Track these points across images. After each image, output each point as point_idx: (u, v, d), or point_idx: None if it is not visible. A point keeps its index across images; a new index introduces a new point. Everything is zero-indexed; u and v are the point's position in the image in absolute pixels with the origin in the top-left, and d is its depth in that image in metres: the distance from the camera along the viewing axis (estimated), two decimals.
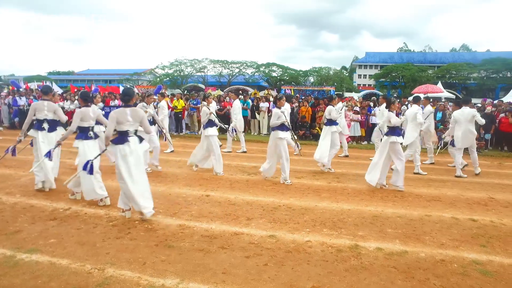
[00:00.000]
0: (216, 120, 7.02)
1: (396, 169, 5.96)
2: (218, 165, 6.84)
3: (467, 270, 3.23)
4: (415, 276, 3.09)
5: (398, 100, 8.35)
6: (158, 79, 41.34)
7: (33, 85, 18.76)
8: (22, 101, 13.76)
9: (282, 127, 6.21)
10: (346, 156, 9.36)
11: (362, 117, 12.22)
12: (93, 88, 17.34)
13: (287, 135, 6.26)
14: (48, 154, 4.87)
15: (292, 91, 22.17)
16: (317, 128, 12.24)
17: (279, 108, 6.25)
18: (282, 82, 38.52)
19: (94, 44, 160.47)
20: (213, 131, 6.85)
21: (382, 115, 8.32)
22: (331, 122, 7.33)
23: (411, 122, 7.40)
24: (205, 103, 7.07)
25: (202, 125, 7.16)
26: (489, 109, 11.59)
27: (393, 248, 3.65)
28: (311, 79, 43.09)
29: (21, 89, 15.32)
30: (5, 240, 3.65)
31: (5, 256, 3.30)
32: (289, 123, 6.46)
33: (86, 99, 5.18)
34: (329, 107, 7.43)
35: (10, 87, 16.59)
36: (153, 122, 7.54)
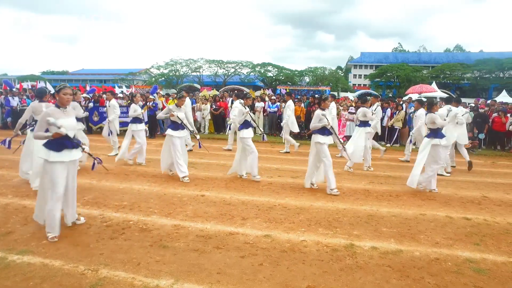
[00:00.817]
0: (253, 121, 6.65)
1: (430, 172, 5.82)
2: (254, 169, 6.38)
3: (461, 268, 3.25)
4: (410, 275, 3.10)
5: (438, 101, 8.56)
6: (153, 79, 41.16)
7: (26, 85, 18.57)
8: (15, 101, 13.62)
9: (323, 130, 5.70)
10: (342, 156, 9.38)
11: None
12: (88, 88, 17.19)
13: (328, 140, 5.73)
14: (4, 142, 5.61)
15: (287, 90, 22.17)
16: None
17: (323, 109, 5.74)
18: (278, 82, 38.54)
19: (88, 43, 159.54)
20: (248, 133, 6.42)
21: (364, 115, 8.32)
22: (365, 124, 7.47)
23: (450, 123, 7.29)
24: (242, 101, 6.64)
25: (235, 127, 7.04)
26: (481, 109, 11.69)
27: (388, 247, 3.67)
28: (307, 79, 43.18)
29: (14, 89, 15.14)
30: None
31: None
32: (333, 127, 5.98)
33: (39, 96, 5.54)
34: (363, 109, 7.49)
35: (3, 87, 16.39)
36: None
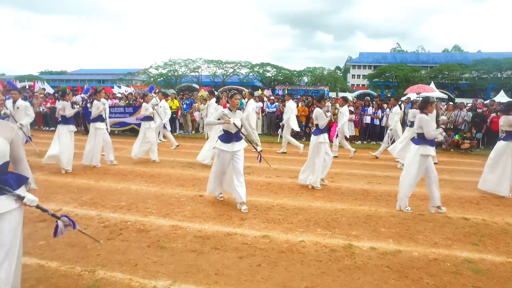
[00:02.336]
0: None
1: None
2: (315, 176, 6.02)
3: (459, 268, 3.24)
4: (409, 276, 3.09)
5: (436, 101, 8.83)
6: (152, 79, 41.13)
7: (24, 85, 18.50)
8: None
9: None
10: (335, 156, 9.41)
11: (356, 117, 12.27)
12: (85, 88, 17.14)
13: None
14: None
15: (286, 91, 22.17)
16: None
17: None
18: (276, 82, 38.55)
19: (87, 43, 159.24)
20: (324, 137, 5.98)
21: (343, 116, 8.85)
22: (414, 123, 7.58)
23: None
24: (331, 105, 6.47)
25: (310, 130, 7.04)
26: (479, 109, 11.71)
27: (386, 248, 3.65)
28: (305, 79, 43.21)
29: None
30: None
31: None
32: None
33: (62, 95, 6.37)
34: (413, 110, 7.82)
35: (6, 87, 16.30)
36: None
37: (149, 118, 7.88)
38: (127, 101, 13.78)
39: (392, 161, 8.90)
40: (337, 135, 8.96)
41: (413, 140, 5.01)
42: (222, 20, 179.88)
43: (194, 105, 14.05)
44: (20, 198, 2.09)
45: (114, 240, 3.69)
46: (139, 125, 11.51)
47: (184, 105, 13.90)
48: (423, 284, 2.97)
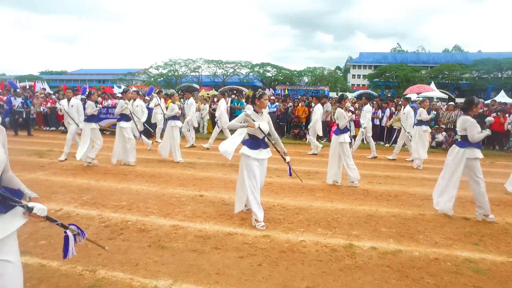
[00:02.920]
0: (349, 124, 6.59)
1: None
2: (354, 173, 6.15)
3: (460, 268, 3.24)
4: (409, 275, 3.09)
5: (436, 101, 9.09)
6: (152, 79, 41.15)
7: (25, 85, 18.52)
8: (17, 101, 13.54)
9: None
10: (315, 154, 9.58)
11: (356, 117, 12.26)
12: (82, 88, 17.14)
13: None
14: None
15: (286, 91, 22.19)
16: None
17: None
18: (277, 82, 38.55)
19: (87, 43, 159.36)
20: (344, 137, 6.05)
21: (315, 114, 9.33)
22: (421, 122, 7.95)
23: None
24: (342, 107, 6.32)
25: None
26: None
27: (387, 247, 3.66)
28: (306, 79, 43.23)
29: (18, 90, 15.06)
30: None
31: None
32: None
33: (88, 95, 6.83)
34: (421, 109, 8.04)
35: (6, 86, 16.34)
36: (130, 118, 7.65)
37: (175, 118, 7.92)
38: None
39: (392, 161, 8.90)
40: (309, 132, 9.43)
41: (457, 143, 4.65)
42: (222, 20, 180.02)
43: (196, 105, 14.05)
44: (29, 210, 1.78)
45: (115, 240, 3.69)
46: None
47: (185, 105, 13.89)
48: (423, 283, 2.97)
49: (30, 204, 1.77)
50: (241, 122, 4.17)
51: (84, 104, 7.53)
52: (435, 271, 3.17)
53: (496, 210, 5.05)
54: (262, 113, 4.28)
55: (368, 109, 9.49)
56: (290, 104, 13.60)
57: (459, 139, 4.71)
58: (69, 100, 7.95)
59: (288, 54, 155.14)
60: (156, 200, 5.07)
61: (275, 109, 13.44)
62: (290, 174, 4.59)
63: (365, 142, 9.96)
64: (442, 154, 10.18)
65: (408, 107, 8.91)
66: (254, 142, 4.19)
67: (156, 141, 10.92)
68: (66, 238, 1.95)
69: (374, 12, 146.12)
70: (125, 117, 7.47)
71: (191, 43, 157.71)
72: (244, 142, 4.25)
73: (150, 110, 11.55)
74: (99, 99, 13.04)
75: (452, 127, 11.51)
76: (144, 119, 9.70)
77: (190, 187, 5.81)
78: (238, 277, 3.00)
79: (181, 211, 4.64)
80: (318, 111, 9.50)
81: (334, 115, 8.79)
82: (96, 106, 7.35)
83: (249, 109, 8.04)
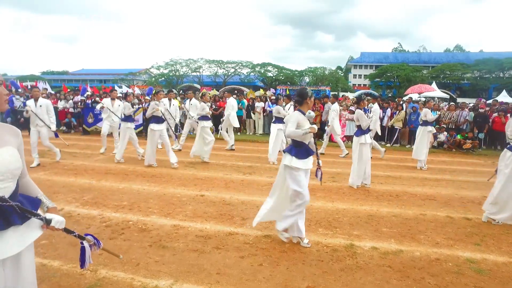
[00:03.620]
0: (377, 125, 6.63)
1: None
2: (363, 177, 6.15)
3: (461, 268, 3.23)
4: (410, 275, 3.09)
5: (429, 100, 9.15)
6: (153, 79, 41.18)
7: (27, 85, 18.53)
8: (18, 102, 13.58)
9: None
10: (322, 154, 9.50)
11: None
12: (82, 89, 17.17)
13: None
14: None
15: (287, 91, 22.17)
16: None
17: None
18: (278, 82, 38.54)
19: (88, 43, 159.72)
20: (365, 138, 6.05)
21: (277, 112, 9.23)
22: (427, 123, 7.85)
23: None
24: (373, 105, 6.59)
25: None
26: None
27: (388, 248, 3.65)
28: (307, 79, 43.21)
29: (19, 90, 15.11)
30: None
31: None
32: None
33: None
34: (426, 109, 7.92)
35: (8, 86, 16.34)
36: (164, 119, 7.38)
37: (206, 118, 7.90)
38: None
39: (393, 161, 8.89)
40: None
41: (509, 147, 4.38)
42: (223, 20, 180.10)
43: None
44: (47, 223, 1.66)
45: (116, 239, 3.69)
46: (139, 126, 11.54)
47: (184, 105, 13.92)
48: (424, 284, 2.96)
49: (48, 216, 1.67)
50: (298, 128, 3.47)
51: (83, 105, 7.61)
52: (436, 272, 3.17)
53: None
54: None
55: (334, 108, 9.56)
56: (291, 103, 13.56)
57: (510, 144, 4.42)
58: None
59: (289, 54, 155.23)
60: (157, 200, 5.08)
61: None
62: (320, 179, 3.82)
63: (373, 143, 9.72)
64: (443, 154, 10.18)
65: (335, 104, 9.60)
66: (301, 149, 3.56)
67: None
68: (83, 249, 1.89)
69: (375, 12, 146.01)
70: (156, 119, 7.14)
71: (192, 43, 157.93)
72: (289, 152, 3.59)
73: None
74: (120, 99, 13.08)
75: (453, 127, 11.49)
76: (177, 119, 9.81)
77: (191, 187, 5.81)
78: (239, 277, 3.00)
79: (182, 211, 4.64)
80: (333, 111, 9.57)
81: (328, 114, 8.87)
82: (133, 107, 7.86)
83: (279, 110, 8.17)
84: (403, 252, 3.56)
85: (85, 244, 1.89)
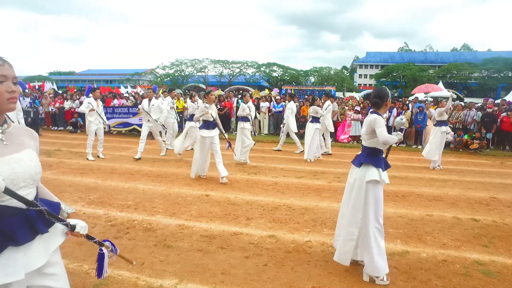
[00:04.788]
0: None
1: None
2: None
3: (469, 270, 3.19)
4: (417, 277, 3.05)
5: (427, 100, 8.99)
6: (158, 79, 41.34)
7: (34, 85, 18.74)
8: (25, 102, 13.73)
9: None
10: (329, 154, 9.57)
11: (363, 117, 12.18)
12: (86, 89, 17.31)
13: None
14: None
15: (292, 90, 22.12)
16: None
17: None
18: (283, 82, 38.48)
19: (95, 44, 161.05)
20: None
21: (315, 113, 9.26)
22: (441, 123, 7.81)
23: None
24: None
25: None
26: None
27: (394, 248, 3.61)
28: (312, 79, 43.06)
29: (26, 90, 15.27)
30: None
31: None
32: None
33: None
34: (439, 109, 7.83)
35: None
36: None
37: (245, 119, 7.84)
38: (134, 102, 13.84)
39: (398, 161, 8.81)
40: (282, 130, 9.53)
41: None
42: (229, 21, 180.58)
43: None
44: (71, 228, 1.58)
45: (121, 238, 3.71)
46: (141, 125, 11.58)
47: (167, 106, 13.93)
48: (431, 285, 2.92)
49: (73, 222, 1.59)
50: (389, 136, 2.90)
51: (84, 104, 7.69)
52: (443, 273, 3.12)
53: (506, 211, 4.97)
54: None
55: (290, 106, 9.65)
56: (296, 104, 13.55)
57: None
58: (149, 100, 7.95)
59: (294, 54, 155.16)
60: (162, 199, 5.09)
61: (281, 109, 13.41)
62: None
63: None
64: (450, 154, 10.06)
65: (291, 103, 9.73)
66: (380, 159, 3.04)
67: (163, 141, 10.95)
68: (101, 256, 1.80)
69: (381, 12, 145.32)
70: (205, 124, 6.13)
71: (197, 44, 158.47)
72: (372, 161, 3.00)
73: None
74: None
75: (460, 127, 11.36)
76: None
77: (196, 187, 5.82)
78: (244, 277, 2.99)
79: (187, 210, 4.65)
80: (288, 109, 9.78)
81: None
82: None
83: (317, 110, 8.28)
84: (409, 253, 3.52)
85: (104, 250, 1.81)
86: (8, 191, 1.28)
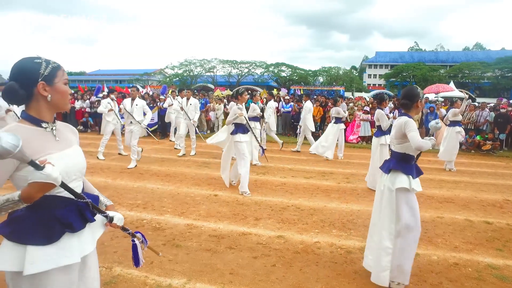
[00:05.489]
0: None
1: None
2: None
3: (482, 274, 3.12)
4: (428, 280, 3.00)
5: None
6: (167, 79, 41.63)
7: None
8: None
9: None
10: (298, 151, 9.76)
11: (372, 117, 12.06)
12: (96, 88, 17.50)
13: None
14: None
15: (301, 91, 22.03)
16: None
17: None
18: (291, 82, 38.36)
19: (105, 45, 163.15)
20: (385, 139, 5.91)
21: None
22: (455, 123, 7.79)
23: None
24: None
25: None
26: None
27: None
28: (321, 79, 42.84)
29: None
30: None
31: None
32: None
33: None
34: (453, 109, 7.79)
35: None
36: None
37: (256, 119, 7.89)
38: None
39: None
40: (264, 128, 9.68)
41: None
42: (237, 21, 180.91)
43: (208, 104, 14.15)
44: (110, 220, 1.68)
45: (130, 237, 3.73)
46: (150, 125, 11.67)
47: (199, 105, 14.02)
48: None
49: (111, 214, 1.70)
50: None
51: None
52: (455, 277, 3.07)
53: None
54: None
55: (270, 105, 9.93)
56: (313, 103, 13.50)
57: None
58: (188, 99, 8.31)
59: (303, 54, 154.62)
60: (171, 199, 5.12)
61: (289, 109, 13.38)
62: None
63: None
64: (462, 156, 9.89)
65: (271, 101, 10.11)
66: (411, 166, 2.84)
67: (170, 140, 11.04)
68: (135, 247, 1.90)
69: (391, 11, 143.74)
70: (241, 128, 5.52)
71: (206, 44, 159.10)
72: (401, 169, 2.79)
73: (164, 110, 11.70)
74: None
75: (472, 128, 11.15)
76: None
77: (205, 187, 5.84)
78: (252, 277, 2.99)
79: (196, 210, 4.66)
80: (269, 108, 9.95)
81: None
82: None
83: (339, 111, 8.56)
84: (419, 255, 3.46)
85: (137, 241, 1.90)
86: (63, 184, 1.36)
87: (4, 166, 1.30)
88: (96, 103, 13.58)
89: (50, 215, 1.41)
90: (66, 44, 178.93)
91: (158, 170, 7.00)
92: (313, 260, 3.33)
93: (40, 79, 1.39)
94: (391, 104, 11.96)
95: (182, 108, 8.89)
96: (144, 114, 7.34)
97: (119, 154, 8.56)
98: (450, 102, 8.63)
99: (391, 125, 6.11)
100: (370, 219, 3.06)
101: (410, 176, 2.77)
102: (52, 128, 1.47)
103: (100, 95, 14.46)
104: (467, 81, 39.32)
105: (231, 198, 5.22)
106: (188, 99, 8.63)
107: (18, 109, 6.20)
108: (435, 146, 9.82)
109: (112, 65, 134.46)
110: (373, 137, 6.17)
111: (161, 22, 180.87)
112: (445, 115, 9.25)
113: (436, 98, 17.08)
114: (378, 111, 6.03)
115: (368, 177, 6.06)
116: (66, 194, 1.45)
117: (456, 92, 20.33)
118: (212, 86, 31.57)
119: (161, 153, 8.94)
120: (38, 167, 1.24)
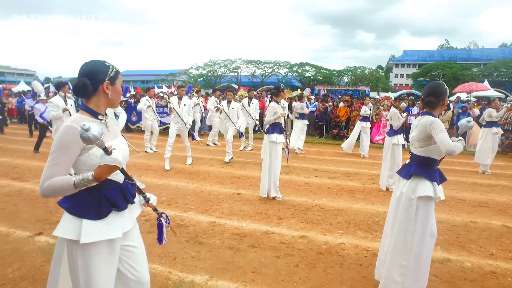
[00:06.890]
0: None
1: None
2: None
3: None
4: None
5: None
6: (192, 79, 42.32)
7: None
8: (71, 101, 14.55)
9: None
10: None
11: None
12: (124, 89, 18.04)
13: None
14: None
15: (325, 91, 21.72)
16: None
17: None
18: (316, 82, 37.92)
19: (133, 47, 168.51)
20: (397, 139, 5.88)
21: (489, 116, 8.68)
22: (491, 124, 7.54)
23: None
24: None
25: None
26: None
27: (434, 255, 3.37)
28: (345, 79, 42.06)
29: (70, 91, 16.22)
30: (48, 229, 3.84)
31: (49, 243, 3.47)
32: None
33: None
34: (490, 109, 7.61)
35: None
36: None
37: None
38: (167, 101, 14.23)
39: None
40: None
41: None
42: (261, 21, 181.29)
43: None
44: (147, 200, 1.92)
45: (154, 233, 3.78)
46: (162, 123, 11.88)
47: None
48: None
49: (148, 195, 1.94)
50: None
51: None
52: (492, 286, 2.88)
53: None
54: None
55: (255, 103, 9.64)
56: (330, 104, 13.30)
57: None
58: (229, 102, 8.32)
59: (327, 54, 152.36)
60: (194, 196, 5.17)
61: (314, 109, 13.20)
62: None
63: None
64: (498, 158, 9.33)
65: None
66: (435, 171, 2.60)
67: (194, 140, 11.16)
68: (160, 226, 2.07)
69: (420, 9, 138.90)
70: (278, 128, 5.06)
71: (230, 44, 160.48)
72: (420, 171, 2.54)
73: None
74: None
75: (510, 129, 10.52)
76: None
77: (228, 185, 5.86)
78: (274, 276, 2.95)
79: (219, 208, 4.68)
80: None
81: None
82: (308, 107, 9.34)
83: (366, 110, 8.76)
84: (451, 261, 3.29)
85: (162, 221, 2.07)
86: (121, 168, 1.61)
87: (76, 151, 1.53)
88: (123, 102, 13.99)
89: (101, 196, 1.63)
90: (98, 47, 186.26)
91: (182, 168, 7.10)
92: (337, 261, 3.24)
93: (106, 79, 1.64)
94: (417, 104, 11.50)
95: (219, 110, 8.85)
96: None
97: (145, 152, 8.77)
98: (487, 101, 8.16)
99: (403, 125, 5.90)
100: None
101: (435, 183, 2.48)
102: (105, 120, 1.70)
103: (128, 94, 14.89)
104: (503, 79, 37.22)
105: (254, 197, 5.21)
106: (229, 102, 8.23)
107: (73, 109, 6.56)
108: (466, 148, 9.43)
109: (139, 65, 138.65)
110: (386, 136, 5.97)
111: (185, 23, 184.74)
112: (478, 115, 8.81)
113: (468, 98, 16.28)
114: (392, 109, 5.88)
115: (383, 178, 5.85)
116: (114, 178, 1.69)
117: (491, 92, 19.32)
118: (236, 86, 31.77)
119: (186, 152, 9.06)
120: (108, 152, 1.44)
